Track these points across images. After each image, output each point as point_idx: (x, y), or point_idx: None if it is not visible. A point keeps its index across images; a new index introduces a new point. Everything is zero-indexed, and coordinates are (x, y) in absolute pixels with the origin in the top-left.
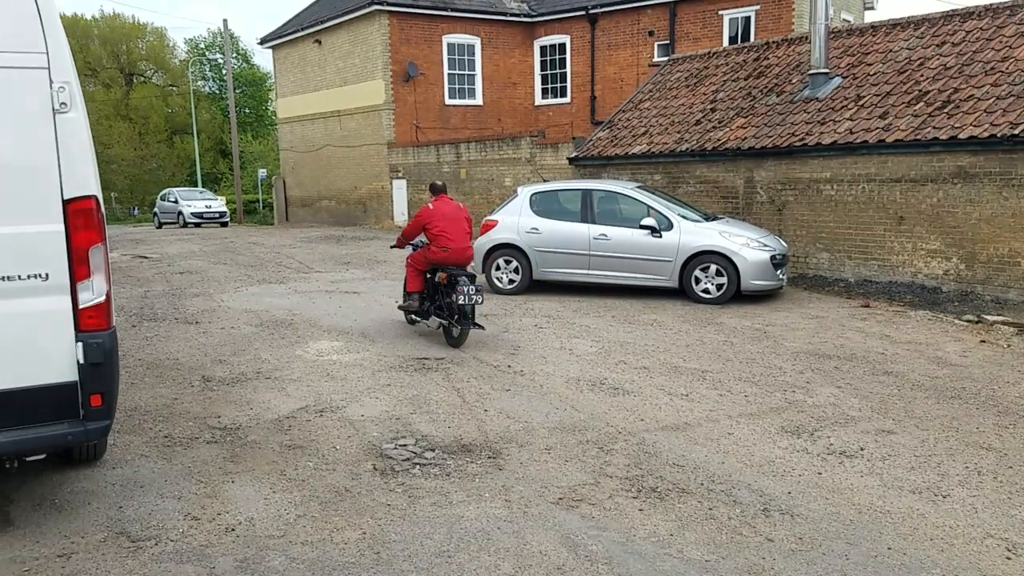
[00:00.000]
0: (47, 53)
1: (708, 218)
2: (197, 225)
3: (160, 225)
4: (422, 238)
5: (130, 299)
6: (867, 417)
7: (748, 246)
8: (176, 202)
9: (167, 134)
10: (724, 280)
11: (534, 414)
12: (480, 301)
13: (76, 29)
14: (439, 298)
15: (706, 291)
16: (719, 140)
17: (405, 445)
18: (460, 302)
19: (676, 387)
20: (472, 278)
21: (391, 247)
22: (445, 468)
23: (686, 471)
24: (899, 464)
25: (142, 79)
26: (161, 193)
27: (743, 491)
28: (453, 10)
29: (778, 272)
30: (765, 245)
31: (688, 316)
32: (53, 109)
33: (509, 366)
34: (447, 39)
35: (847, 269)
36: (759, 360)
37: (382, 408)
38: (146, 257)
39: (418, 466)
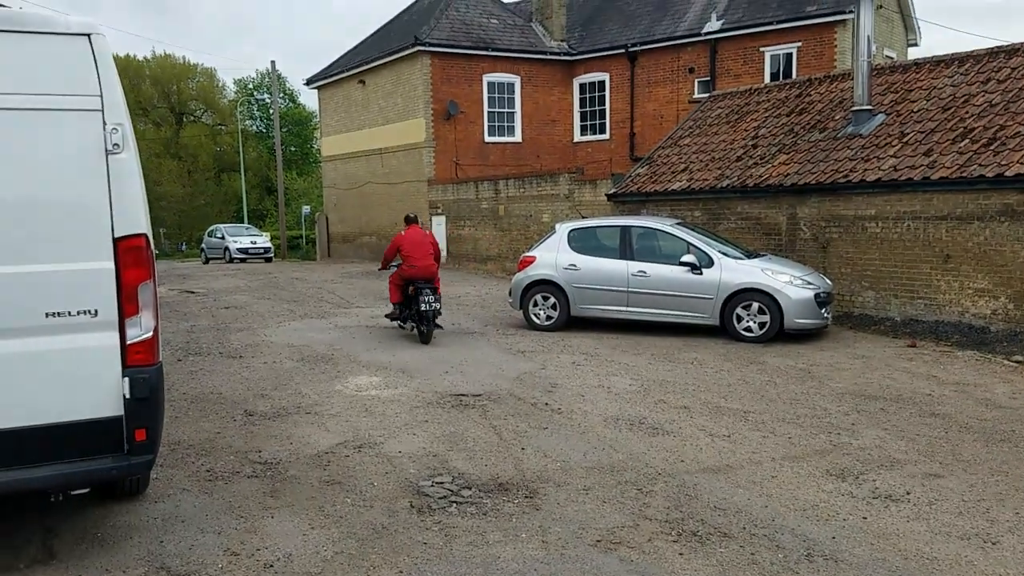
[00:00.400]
0: (101, 96)
1: (750, 255)
2: (243, 260)
3: (207, 260)
4: (399, 260)
5: (176, 333)
6: (914, 460)
7: (791, 284)
8: (223, 238)
9: (215, 172)
10: (767, 318)
11: (572, 453)
12: (438, 308)
13: (129, 69)
14: (413, 306)
15: (748, 329)
16: (761, 176)
17: (442, 483)
18: (422, 308)
19: (717, 428)
20: (433, 289)
21: (378, 269)
22: (482, 507)
23: (728, 514)
24: (947, 509)
25: (192, 118)
26: (208, 229)
27: (786, 535)
28: (494, 49)
29: (822, 310)
30: (809, 283)
31: (730, 355)
32: (106, 150)
33: (547, 404)
34: (487, 78)
35: (893, 308)
36: (803, 401)
37: (419, 445)
38: (193, 292)
39: (455, 504)
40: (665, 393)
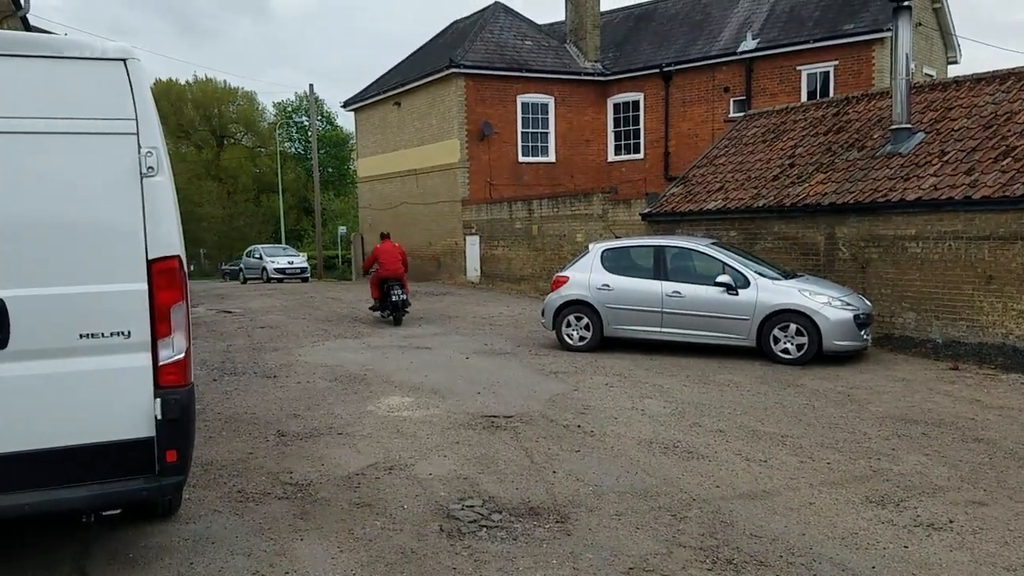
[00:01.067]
0: (136, 119)
1: (787, 275)
2: (280, 280)
3: (245, 280)
4: (375, 267)
5: (213, 353)
6: (956, 487)
7: (830, 305)
8: (260, 258)
9: (255, 193)
10: (805, 340)
11: (604, 477)
12: (406, 299)
13: (171, 93)
14: (387, 300)
15: (786, 351)
16: (798, 196)
17: (472, 506)
18: (392, 299)
19: (754, 452)
20: (401, 286)
21: (364, 273)
22: (512, 532)
23: (764, 542)
24: (991, 538)
25: (232, 141)
26: (247, 250)
27: (824, 564)
28: (527, 71)
29: (862, 332)
30: (848, 304)
31: (767, 377)
32: (141, 173)
33: (579, 426)
34: (521, 99)
35: (934, 329)
36: (842, 425)
37: (450, 467)
38: (230, 312)
39: (484, 529)
40: (700, 416)
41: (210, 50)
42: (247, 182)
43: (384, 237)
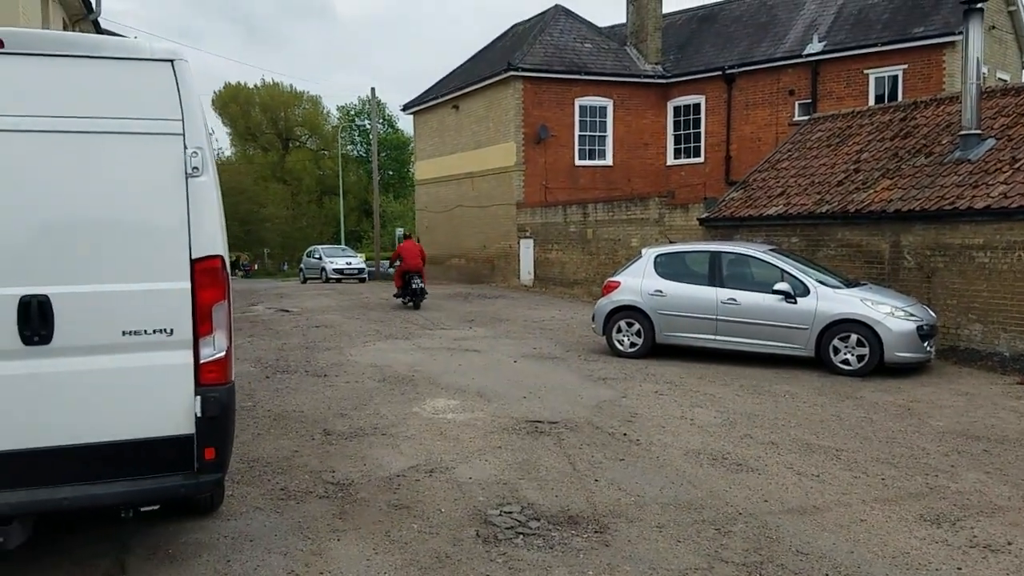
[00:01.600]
0: (182, 120)
1: (848, 284)
2: (338, 280)
3: (305, 280)
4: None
5: (268, 351)
6: (1017, 507)
7: (892, 315)
8: (320, 259)
9: (317, 195)
10: (866, 351)
11: (647, 487)
12: (423, 287)
13: (239, 96)
14: (408, 288)
15: (845, 362)
16: (862, 202)
17: (510, 512)
18: (413, 287)
19: (806, 466)
20: (420, 277)
21: (389, 266)
22: (549, 540)
23: (810, 559)
24: None
25: (297, 144)
26: (307, 250)
27: None
28: (586, 73)
29: (925, 344)
30: (911, 314)
31: (824, 388)
32: (186, 173)
33: (625, 434)
34: (579, 101)
35: (1002, 342)
36: (900, 439)
37: (490, 471)
38: (288, 311)
39: (521, 536)
40: (752, 427)
41: (276, 54)
42: (311, 184)
43: (407, 236)
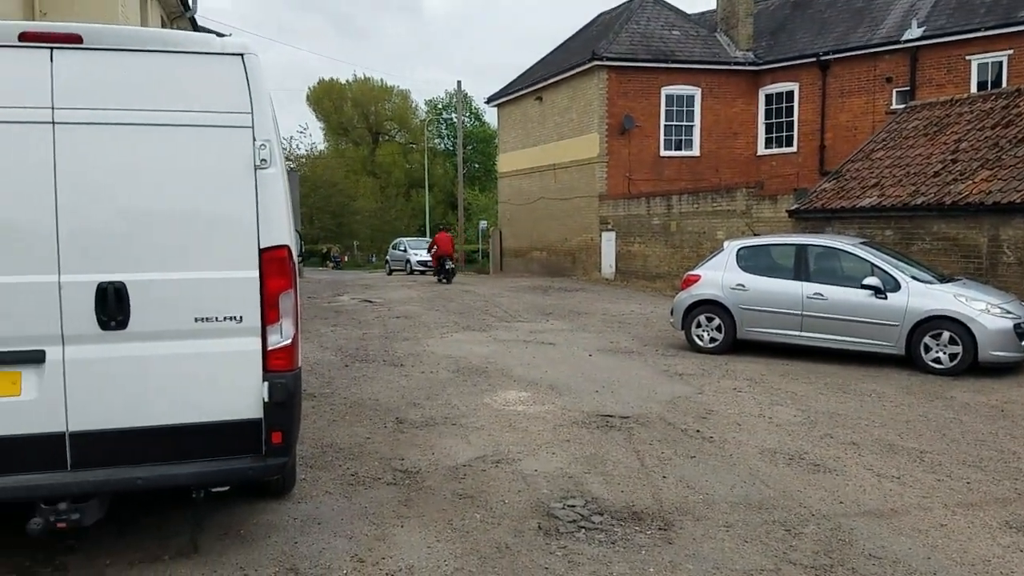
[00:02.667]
0: (252, 113)
1: (942, 279)
2: (422, 272)
3: (391, 272)
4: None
5: (349, 340)
6: None
7: (988, 312)
8: (405, 251)
9: (405, 188)
10: (958, 349)
11: (717, 486)
12: (453, 268)
13: (332, 92)
14: (442, 268)
15: (937, 360)
16: (960, 193)
17: (573, 506)
18: (446, 267)
19: (887, 467)
20: (451, 259)
21: (428, 251)
22: (611, 535)
23: (884, 564)
24: None
25: (387, 137)
26: (393, 242)
27: None
28: (673, 61)
29: (1023, 342)
30: (1008, 312)
31: (913, 388)
32: (255, 165)
33: (698, 431)
34: (665, 91)
35: None
36: (990, 442)
37: (557, 464)
38: (371, 301)
39: (583, 530)
40: (833, 427)
41: (365, 49)
42: (399, 177)
43: (440, 229)
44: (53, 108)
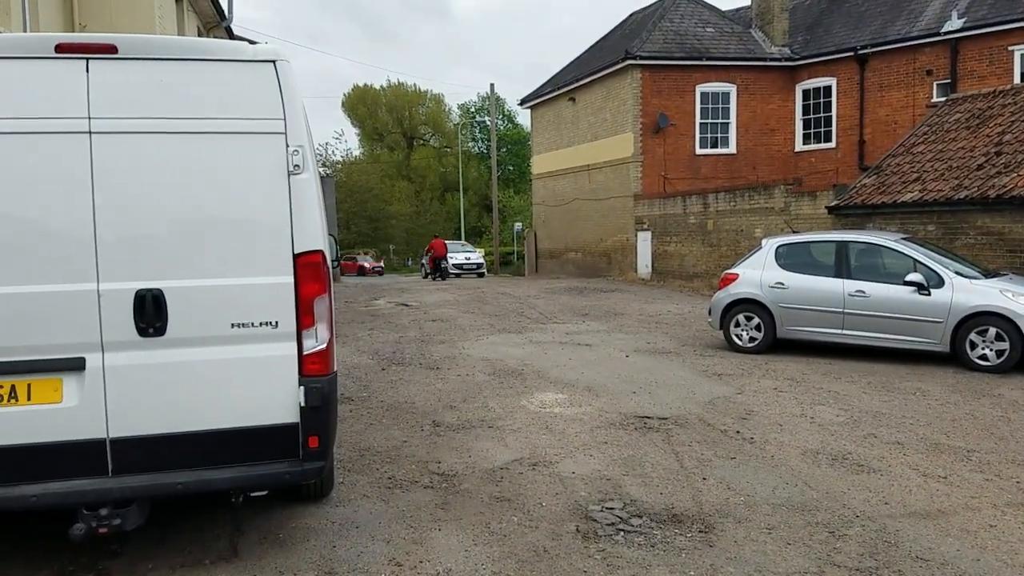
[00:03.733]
0: (284, 119)
1: (988, 274)
2: (457, 275)
3: (426, 275)
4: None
5: (385, 344)
6: None
7: None
8: None
9: (440, 191)
10: (1006, 345)
11: (759, 487)
12: (448, 268)
13: (367, 98)
14: (437, 268)
15: (983, 357)
16: (1004, 187)
17: (612, 509)
18: (441, 267)
19: (933, 467)
20: (445, 261)
21: (424, 254)
22: (651, 538)
23: (931, 566)
24: None
25: (421, 142)
26: (428, 246)
27: None
28: (708, 59)
29: None
30: None
31: (959, 386)
32: (288, 171)
33: (738, 432)
34: (700, 88)
35: None
36: None
37: (594, 466)
38: (407, 305)
39: (622, 533)
40: (877, 426)
41: (397, 54)
42: (434, 181)
43: (435, 237)
44: (90, 118)
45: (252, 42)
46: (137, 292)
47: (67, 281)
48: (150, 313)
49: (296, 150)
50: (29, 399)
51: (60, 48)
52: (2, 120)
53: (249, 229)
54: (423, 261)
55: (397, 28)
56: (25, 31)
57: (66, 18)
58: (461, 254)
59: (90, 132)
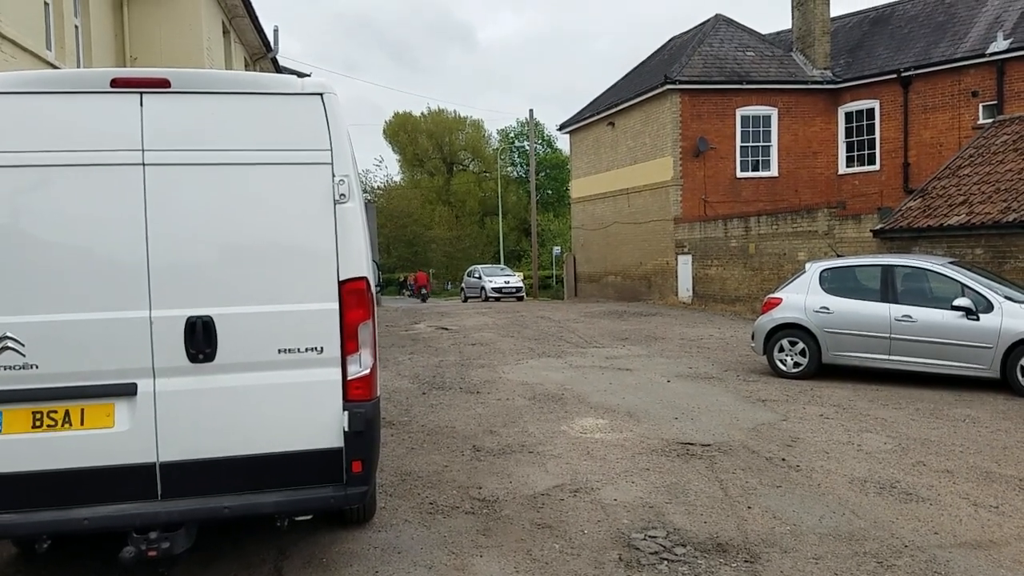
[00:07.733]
0: (331, 150)
1: None
2: (496, 299)
3: (466, 299)
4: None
5: (426, 368)
6: None
7: None
8: (480, 278)
9: (479, 216)
10: None
11: (805, 516)
12: (427, 293)
13: (407, 125)
14: (419, 294)
15: None
16: None
17: (655, 537)
18: (422, 293)
19: (984, 496)
20: (426, 289)
21: (412, 283)
22: (695, 568)
23: None
24: None
25: (461, 167)
26: (468, 270)
27: None
28: (748, 82)
29: None
30: None
31: (1010, 412)
32: (334, 199)
33: (783, 459)
34: (741, 112)
35: None
36: None
37: (636, 494)
38: (447, 329)
39: (666, 562)
40: (926, 454)
41: (433, 82)
42: (473, 206)
43: (418, 269)
44: (143, 150)
45: (300, 74)
46: (188, 319)
47: (120, 308)
48: (200, 339)
49: (342, 179)
50: (83, 424)
51: (115, 83)
52: (61, 152)
53: (296, 257)
54: (463, 285)
55: (424, 56)
56: (79, 64)
57: (118, 51)
58: (500, 278)
59: (143, 164)
